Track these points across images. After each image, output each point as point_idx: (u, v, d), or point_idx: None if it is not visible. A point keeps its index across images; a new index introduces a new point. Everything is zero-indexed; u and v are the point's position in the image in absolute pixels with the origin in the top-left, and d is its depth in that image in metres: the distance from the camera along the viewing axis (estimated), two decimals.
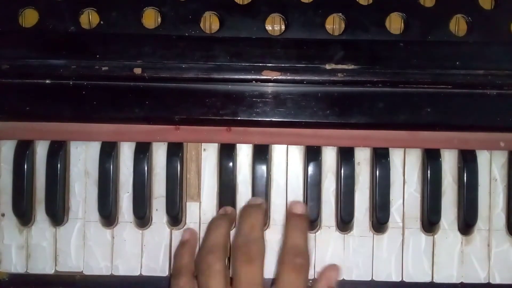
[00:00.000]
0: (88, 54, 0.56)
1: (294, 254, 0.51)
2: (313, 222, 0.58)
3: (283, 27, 0.58)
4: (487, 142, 0.59)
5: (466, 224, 0.58)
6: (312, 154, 0.59)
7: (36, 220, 0.60)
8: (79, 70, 0.56)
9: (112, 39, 0.57)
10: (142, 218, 0.59)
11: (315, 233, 0.59)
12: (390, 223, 0.59)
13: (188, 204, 0.60)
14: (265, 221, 0.58)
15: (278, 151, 0.60)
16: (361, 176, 0.59)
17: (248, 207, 0.57)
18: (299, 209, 0.56)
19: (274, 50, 0.56)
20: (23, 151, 0.59)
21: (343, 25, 0.58)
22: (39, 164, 0.60)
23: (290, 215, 0.56)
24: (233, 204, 0.59)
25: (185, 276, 0.53)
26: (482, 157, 0.59)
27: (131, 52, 0.56)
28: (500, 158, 0.60)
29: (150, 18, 0.58)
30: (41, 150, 0.60)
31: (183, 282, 0.52)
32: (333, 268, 0.57)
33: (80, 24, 0.57)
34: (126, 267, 0.59)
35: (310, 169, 0.58)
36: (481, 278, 0.59)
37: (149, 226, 0.60)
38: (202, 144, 0.60)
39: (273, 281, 0.52)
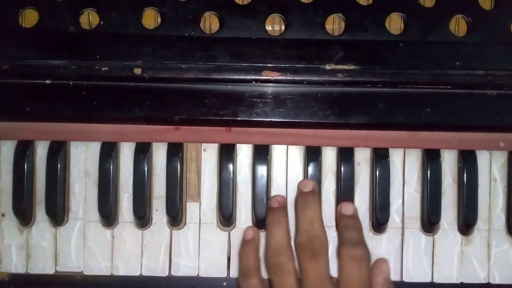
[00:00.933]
0: (88, 55, 0.56)
1: (351, 246, 0.52)
2: None
3: (283, 27, 0.58)
4: (487, 142, 0.59)
5: (466, 224, 0.58)
6: (312, 154, 0.59)
7: (36, 220, 0.60)
8: (79, 71, 0.56)
9: (112, 39, 0.57)
10: (142, 218, 0.59)
11: None
12: (390, 223, 0.59)
13: (188, 204, 0.60)
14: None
15: (278, 151, 0.60)
16: (361, 176, 0.60)
17: (302, 196, 0.55)
18: (350, 210, 0.56)
19: (274, 51, 0.56)
20: (23, 151, 0.59)
21: (343, 25, 0.58)
22: (39, 164, 0.60)
23: (340, 217, 0.56)
24: (232, 204, 0.59)
25: (255, 277, 0.52)
26: (482, 157, 0.59)
27: (131, 52, 0.56)
28: (500, 158, 0.60)
29: (150, 19, 0.58)
30: (41, 150, 0.60)
31: (254, 283, 0.52)
32: (384, 261, 0.56)
33: (80, 24, 0.57)
34: (126, 267, 0.60)
35: (310, 169, 0.58)
36: (481, 278, 0.59)
37: (149, 226, 0.60)
38: (202, 144, 0.60)
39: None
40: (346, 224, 0.55)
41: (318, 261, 0.50)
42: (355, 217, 0.56)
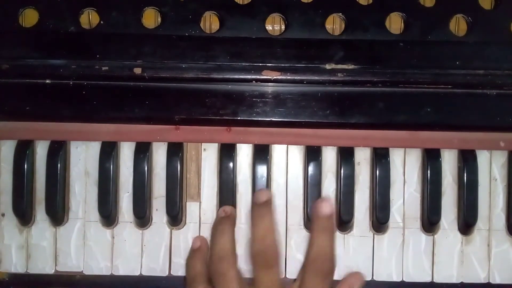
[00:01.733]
0: (88, 54, 0.56)
1: (322, 261, 0.51)
2: None
3: (283, 27, 0.58)
4: (487, 142, 0.59)
5: (466, 224, 0.58)
6: (312, 154, 0.59)
7: (36, 220, 0.60)
8: (79, 70, 0.56)
9: (112, 39, 0.57)
10: (142, 218, 0.59)
11: None
12: (390, 223, 0.59)
13: (188, 204, 0.60)
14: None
15: (278, 151, 0.60)
16: (361, 176, 0.59)
17: (256, 207, 0.54)
18: (327, 209, 0.52)
19: (274, 50, 0.56)
20: (23, 151, 0.59)
21: (343, 25, 0.58)
22: (39, 164, 0.60)
23: (315, 216, 0.53)
24: (233, 204, 0.59)
25: (201, 284, 0.53)
26: (482, 157, 0.59)
27: (131, 52, 0.56)
28: (500, 158, 0.60)
29: (150, 18, 0.58)
30: (41, 150, 0.60)
31: None
32: (356, 276, 0.56)
33: (80, 24, 0.57)
34: (126, 267, 0.59)
35: (310, 169, 0.58)
36: (481, 278, 0.59)
37: (149, 226, 0.60)
38: (202, 144, 0.60)
39: (296, 280, 0.52)
40: (321, 228, 0.52)
41: (270, 272, 0.50)
42: (330, 218, 0.53)
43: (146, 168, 0.59)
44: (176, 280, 0.60)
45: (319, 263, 0.51)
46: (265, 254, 0.51)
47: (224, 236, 0.53)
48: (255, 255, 0.51)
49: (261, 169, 0.59)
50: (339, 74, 0.56)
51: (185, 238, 0.60)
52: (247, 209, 0.60)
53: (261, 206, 0.54)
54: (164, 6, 0.57)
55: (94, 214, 0.59)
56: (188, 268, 0.56)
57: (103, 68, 0.56)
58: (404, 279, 0.59)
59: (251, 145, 0.60)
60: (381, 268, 0.59)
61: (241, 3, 0.58)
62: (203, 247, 0.56)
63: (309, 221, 0.58)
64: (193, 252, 0.57)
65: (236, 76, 0.56)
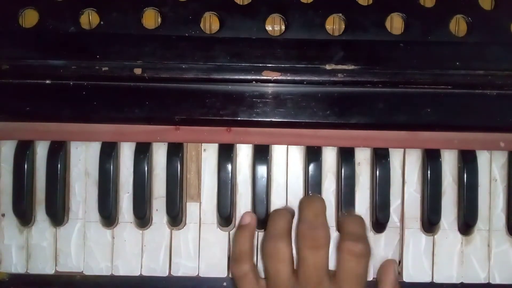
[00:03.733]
0: (88, 55, 0.56)
1: (352, 240, 0.51)
2: None
3: (283, 27, 0.58)
4: (487, 142, 0.59)
5: (466, 224, 0.58)
6: (313, 155, 0.59)
7: (36, 220, 0.60)
8: (79, 71, 0.56)
9: (112, 39, 0.57)
10: (142, 218, 0.59)
11: None
12: (390, 223, 0.59)
13: (188, 204, 0.60)
14: None
15: (278, 152, 0.60)
16: (361, 176, 0.59)
17: (308, 197, 0.57)
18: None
19: (274, 51, 0.56)
20: (23, 151, 0.59)
21: (343, 26, 0.58)
22: (39, 164, 0.60)
23: (343, 219, 0.56)
24: (232, 204, 0.59)
25: (248, 262, 0.53)
26: (482, 157, 0.59)
27: (131, 52, 0.56)
28: (500, 158, 0.60)
29: (150, 19, 0.58)
30: (41, 150, 0.60)
31: (247, 268, 0.53)
32: (393, 262, 0.56)
33: (80, 25, 0.57)
34: (126, 267, 0.59)
35: (311, 169, 0.58)
36: (481, 278, 0.59)
37: (149, 226, 0.60)
38: (202, 144, 0.60)
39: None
40: (350, 219, 0.55)
41: (318, 252, 0.50)
42: (358, 217, 0.56)
43: (146, 169, 0.59)
44: (176, 281, 0.60)
45: (349, 244, 0.51)
46: (314, 234, 0.51)
47: (284, 217, 0.54)
48: (303, 234, 0.51)
49: (261, 170, 0.59)
50: (339, 75, 0.56)
51: (185, 238, 0.60)
52: (248, 209, 0.60)
53: (314, 196, 0.57)
54: (164, 7, 0.57)
55: (94, 214, 0.59)
56: (236, 243, 0.55)
57: (103, 69, 0.56)
58: (404, 279, 0.59)
59: (251, 145, 0.60)
60: None
61: (241, 3, 0.58)
62: (252, 224, 0.56)
63: None
64: (241, 228, 0.56)
65: (236, 77, 0.56)
